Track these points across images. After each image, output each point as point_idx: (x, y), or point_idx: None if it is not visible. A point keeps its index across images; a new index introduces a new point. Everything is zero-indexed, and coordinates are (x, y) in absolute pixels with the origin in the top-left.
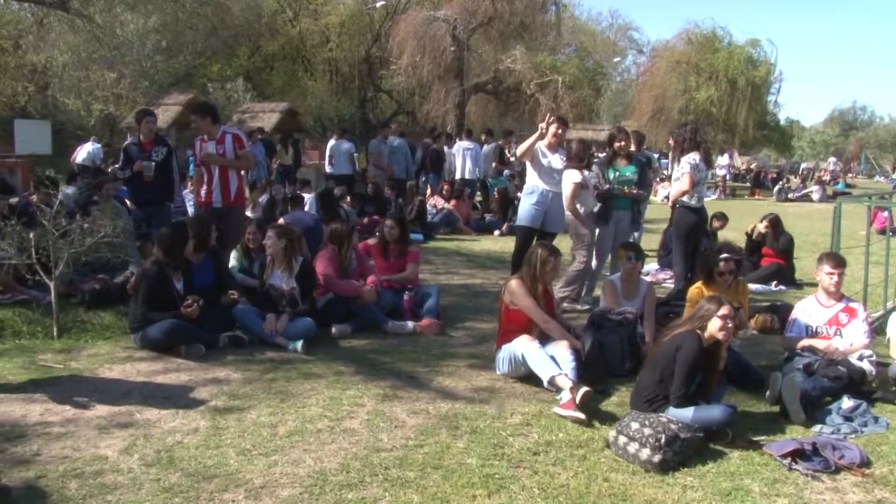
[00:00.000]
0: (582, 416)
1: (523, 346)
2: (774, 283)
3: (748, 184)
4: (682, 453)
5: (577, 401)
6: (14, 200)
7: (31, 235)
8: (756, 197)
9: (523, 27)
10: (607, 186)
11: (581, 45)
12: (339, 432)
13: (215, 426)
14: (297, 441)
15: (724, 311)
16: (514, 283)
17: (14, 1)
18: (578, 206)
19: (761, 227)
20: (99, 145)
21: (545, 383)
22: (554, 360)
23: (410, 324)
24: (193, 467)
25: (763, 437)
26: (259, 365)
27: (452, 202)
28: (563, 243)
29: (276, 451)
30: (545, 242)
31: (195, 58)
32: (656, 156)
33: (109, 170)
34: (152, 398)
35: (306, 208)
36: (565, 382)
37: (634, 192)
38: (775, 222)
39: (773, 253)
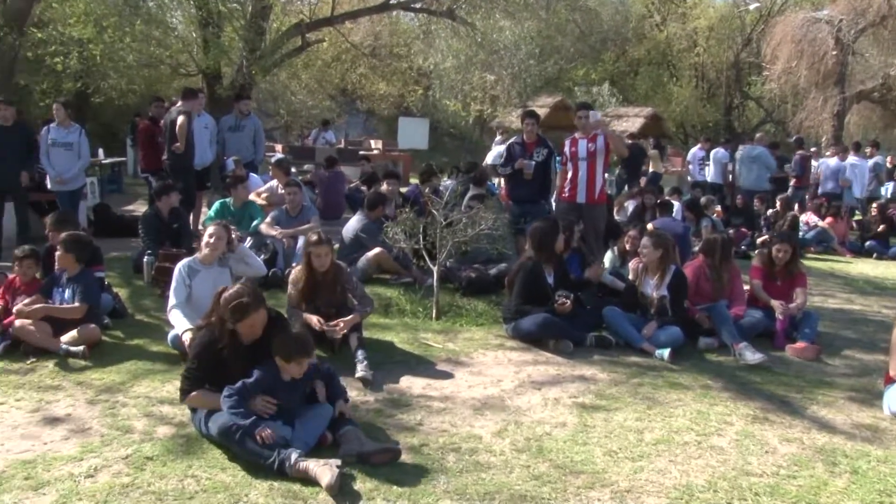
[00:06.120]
0: None
1: None
2: None
3: None
4: None
5: None
6: (406, 190)
7: (421, 223)
8: None
9: None
10: None
11: None
12: (706, 448)
13: (583, 423)
14: (663, 450)
15: None
16: None
17: (409, 12)
18: None
19: None
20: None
21: None
22: None
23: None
24: (561, 460)
25: None
26: (625, 368)
27: (828, 220)
28: None
29: (642, 457)
30: None
31: (565, 62)
32: None
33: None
34: (522, 387)
35: (674, 215)
36: None
37: None
38: None
39: None
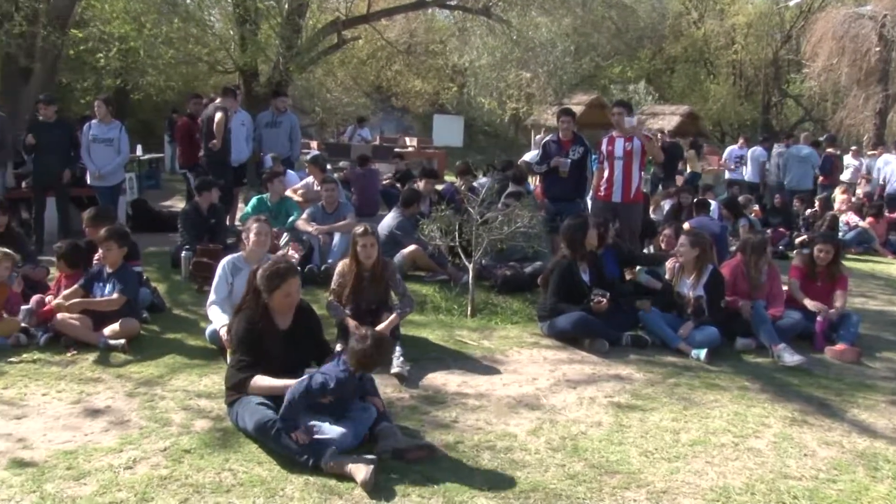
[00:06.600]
0: None
1: None
2: None
3: None
4: None
5: None
6: (441, 187)
7: (457, 220)
8: None
9: None
10: None
11: None
12: (743, 450)
13: (618, 423)
14: (700, 451)
15: None
16: None
17: (444, 9)
18: None
19: None
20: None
21: None
22: None
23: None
24: (596, 459)
25: None
26: (661, 368)
27: (869, 219)
28: None
29: (679, 457)
30: None
31: (601, 59)
32: None
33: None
34: (557, 385)
35: (712, 214)
36: None
37: None
38: None
39: None
